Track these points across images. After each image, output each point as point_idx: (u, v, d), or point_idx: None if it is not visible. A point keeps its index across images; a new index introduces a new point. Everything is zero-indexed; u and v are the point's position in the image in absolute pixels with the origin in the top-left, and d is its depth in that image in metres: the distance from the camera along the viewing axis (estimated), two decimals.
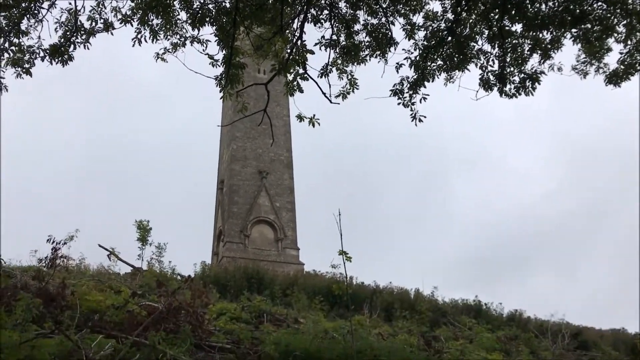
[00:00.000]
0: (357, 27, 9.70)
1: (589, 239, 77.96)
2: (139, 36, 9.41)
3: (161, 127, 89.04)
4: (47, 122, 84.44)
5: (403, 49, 9.68)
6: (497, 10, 9.11)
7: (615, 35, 9.36)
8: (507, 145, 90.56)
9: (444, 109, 57.05)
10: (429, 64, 9.63)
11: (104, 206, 68.48)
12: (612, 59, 9.85)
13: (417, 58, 9.58)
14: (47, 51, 9.37)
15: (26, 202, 64.23)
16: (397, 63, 9.62)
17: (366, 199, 77.61)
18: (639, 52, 9.47)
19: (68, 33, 9.37)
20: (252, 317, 12.75)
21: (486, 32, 9.51)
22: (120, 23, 9.35)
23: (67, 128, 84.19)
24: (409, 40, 9.75)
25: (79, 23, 9.38)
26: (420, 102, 9.42)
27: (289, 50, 9.36)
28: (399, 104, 9.51)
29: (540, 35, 9.42)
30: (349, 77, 9.75)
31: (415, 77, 9.54)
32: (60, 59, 9.37)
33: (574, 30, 9.22)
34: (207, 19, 8.95)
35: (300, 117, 9.14)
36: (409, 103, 9.49)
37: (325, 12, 9.40)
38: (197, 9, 9.00)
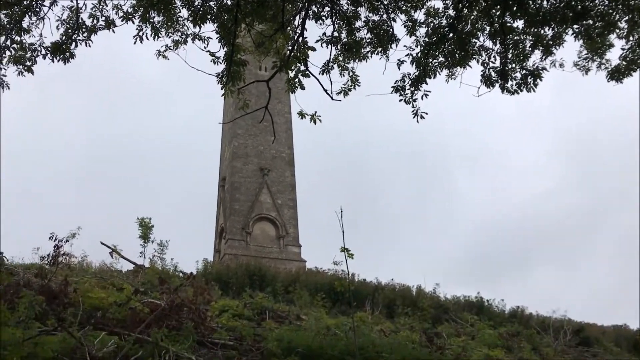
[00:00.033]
0: (359, 23, 9.70)
1: (591, 235, 77.91)
2: (140, 34, 9.43)
3: (162, 125, 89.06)
4: (48, 120, 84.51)
5: (404, 46, 9.69)
6: (498, 7, 9.10)
7: (617, 31, 9.35)
8: (508, 142, 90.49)
9: (445, 106, 56.98)
10: (430, 60, 9.63)
11: (106, 204, 68.56)
12: (614, 55, 9.85)
13: (419, 55, 9.57)
14: (49, 49, 9.38)
15: (27, 201, 64.32)
16: (399, 60, 9.61)
17: (367, 196, 77.64)
18: None
19: (70, 31, 9.38)
20: (254, 314, 12.77)
21: (488, 28, 9.50)
22: (122, 20, 9.37)
23: (68, 126, 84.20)
24: (410, 36, 9.75)
25: (80, 20, 9.40)
26: (422, 98, 9.42)
27: (290, 47, 9.37)
28: (400, 100, 9.52)
29: (542, 31, 9.41)
30: (351, 74, 9.75)
31: (416, 73, 9.53)
32: (61, 56, 9.38)
33: (575, 26, 9.21)
34: (209, 16, 8.95)
35: (301, 114, 9.15)
36: (410, 100, 9.49)
37: (327, 8, 9.39)
38: (199, 6, 9.00)
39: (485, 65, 9.67)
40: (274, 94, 10.23)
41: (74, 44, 9.39)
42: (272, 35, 9.34)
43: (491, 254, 73.29)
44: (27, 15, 9.27)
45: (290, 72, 9.32)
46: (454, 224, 76.10)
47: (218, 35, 9.13)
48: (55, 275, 10.78)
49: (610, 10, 8.95)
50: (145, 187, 78.45)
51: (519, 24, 9.35)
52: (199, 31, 9.56)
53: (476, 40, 9.63)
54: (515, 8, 8.86)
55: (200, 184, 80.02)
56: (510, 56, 9.53)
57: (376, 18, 9.65)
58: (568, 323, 19.74)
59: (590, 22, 9.11)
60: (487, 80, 9.62)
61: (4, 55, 9.41)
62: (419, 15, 9.73)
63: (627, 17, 9.14)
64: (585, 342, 19.50)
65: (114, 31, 9.57)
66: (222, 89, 9.34)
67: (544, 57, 9.64)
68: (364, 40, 9.78)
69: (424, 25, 9.71)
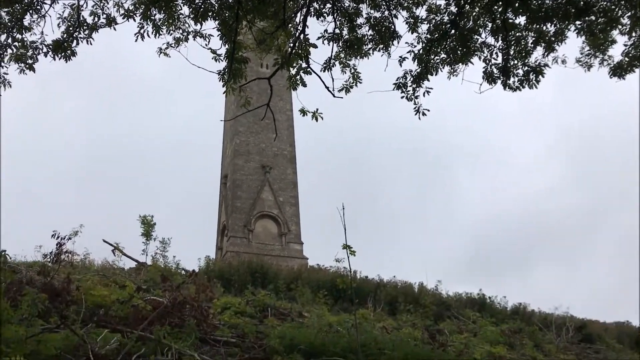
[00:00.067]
0: (360, 20, 9.70)
1: (593, 233, 77.82)
2: (141, 31, 9.42)
3: (163, 123, 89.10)
4: (48, 119, 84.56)
5: (406, 43, 9.68)
6: (500, 3, 9.08)
7: (620, 27, 9.33)
8: (510, 139, 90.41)
9: (447, 103, 56.92)
10: (432, 57, 9.62)
11: (107, 203, 68.62)
12: (616, 51, 9.83)
13: (421, 51, 9.56)
14: (50, 47, 9.38)
15: (28, 200, 64.41)
16: (400, 56, 9.60)
17: (369, 193, 77.63)
18: None
19: (71, 28, 9.38)
20: (256, 311, 12.77)
21: (490, 24, 9.49)
22: (123, 18, 9.36)
23: (68, 125, 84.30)
24: (412, 33, 9.73)
25: (81, 18, 9.39)
26: (424, 95, 9.43)
27: (291, 44, 9.36)
28: (402, 97, 9.51)
29: (544, 27, 9.39)
30: (352, 70, 9.74)
31: (418, 70, 9.53)
32: (63, 54, 9.38)
33: (578, 22, 9.19)
34: (210, 14, 8.93)
35: (303, 112, 9.14)
36: (412, 97, 9.49)
37: (328, 5, 9.38)
38: (200, 4, 8.99)
39: (487, 61, 9.66)
40: (276, 91, 10.21)
41: (75, 41, 9.39)
42: (273, 33, 9.32)
43: (493, 251, 73.28)
44: (28, 13, 9.27)
45: (291, 69, 9.32)
46: (455, 221, 76.13)
47: (219, 33, 9.13)
48: (58, 273, 10.79)
49: (613, 6, 8.93)
50: (146, 185, 78.66)
51: (521, 20, 9.35)
52: (200, 28, 9.55)
53: (478, 37, 9.62)
54: (517, 4, 8.85)
55: (202, 182, 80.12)
56: (512, 53, 9.51)
57: (378, 15, 9.64)
58: (570, 320, 19.76)
59: (593, 18, 9.09)
60: (489, 77, 9.61)
61: (5, 53, 9.42)
62: (421, 12, 9.73)
63: (629, 13, 9.12)
64: (587, 339, 19.50)
65: (115, 29, 9.57)
66: (223, 86, 9.33)
67: (546, 54, 9.63)
68: (366, 37, 9.77)
69: (425, 22, 9.70)
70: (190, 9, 9.22)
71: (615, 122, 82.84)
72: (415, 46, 9.64)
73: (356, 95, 9.87)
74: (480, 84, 9.64)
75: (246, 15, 8.77)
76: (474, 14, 9.54)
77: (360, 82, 9.70)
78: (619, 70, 9.77)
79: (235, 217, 29.94)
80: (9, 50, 9.41)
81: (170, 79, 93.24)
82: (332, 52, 9.47)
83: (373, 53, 9.86)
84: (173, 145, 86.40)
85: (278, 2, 8.85)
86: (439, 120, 79.83)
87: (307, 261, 28.91)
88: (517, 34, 9.48)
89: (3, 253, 9.37)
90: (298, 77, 9.28)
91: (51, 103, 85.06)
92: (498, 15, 9.21)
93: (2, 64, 9.46)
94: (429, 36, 9.62)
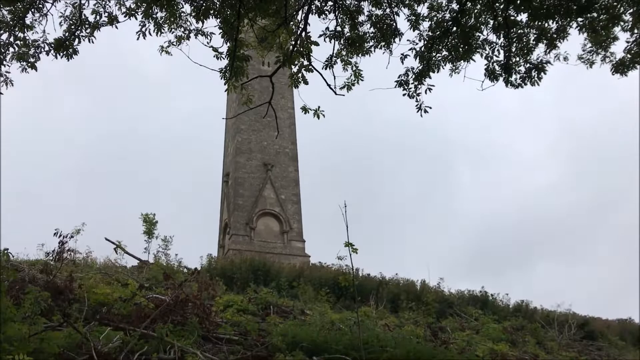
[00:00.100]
0: (362, 18, 9.68)
1: (595, 229, 77.74)
2: (143, 29, 9.43)
3: (165, 121, 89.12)
4: (49, 117, 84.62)
5: (408, 40, 9.67)
6: (502, 0, 9.06)
7: (622, 24, 9.31)
8: (512, 136, 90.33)
9: (449, 100, 56.87)
10: (434, 54, 9.61)
11: (108, 202, 68.73)
12: (618, 48, 9.83)
13: (422, 49, 9.55)
14: (52, 45, 9.39)
15: (30, 197, 64.49)
16: (402, 54, 9.59)
17: (371, 190, 77.62)
18: None
19: (72, 27, 9.38)
20: (258, 309, 12.78)
21: (491, 22, 9.47)
22: (125, 16, 9.35)
23: (70, 123, 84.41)
24: (413, 31, 9.72)
25: (83, 17, 9.39)
26: (426, 92, 9.42)
27: (293, 42, 9.35)
28: (404, 95, 9.50)
29: (546, 24, 9.37)
30: (354, 68, 9.72)
31: (420, 68, 9.52)
32: (65, 53, 9.39)
33: (580, 19, 9.17)
34: (211, 12, 8.93)
35: (305, 109, 9.13)
36: (414, 94, 9.47)
37: (330, 3, 9.37)
38: (201, 2, 8.98)
39: (489, 59, 9.65)
40: (277, 89, 10.22)
41: (77, 40, 9.39)
42: (275, 30, 9.31)
43: (495, 248, 73.33)
44: (30, 12, 9.28)
45: (293, 67, 9.31)
46: (457, 218, 76.11)
47: (221, 31, 9.12)
48: (60, 271, 10.81)
49: (615, 3, 8.91)
50: (148, 184, 78.68)
51: (523, 17, 9.33)
52: (202, 26, 9.56)
53: (480, 34, 9.60)
54: (519, 1, 8.83)
55: (203, 180, 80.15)
56: (514, 50, 9.50)
57: (379, 12, 9.63)
58: (572, 317, 19.73)
59: (595, 15, 9.07)
60: (491, 74, 9.60)
61: (7, 52, 9.42)
62: (422, 9, 9.72)
63: (631, 10, 9.09)
64: (589, 336, 19.50)
65: (116, 27, 9.57)
66: (225, 84, 9.33)
67: (548, 51, 9.61)
68: (367, 35, 9.76)
69: (427, 19, 9.68)
70: (192, 7, 9.23)
71: (617, 119, 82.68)
72: (416, 43, 9.64)
73: (358, 92, 9.89)
74: (482, 81, 9.64)
75: (248, 13, 8.76)
76: (476, 11, 9.52)
77: (362, 80, 9.69)
78: (621, 67, 9.75)
79: (237, 214, 29.96)
80: (11, 49, 9.42)
81: (172, 77, 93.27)
82: (333, 49, 9.47)
83: (375, 50, 9.85)
84: (174, 143, 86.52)
85: (279, 0, 8.84)
86: (441, 117, 79.75)
87: (309, 259, 28.94)
88: (519, 31, 9.46)
89: (5, 251, 9.39)
90: (300, 74, 9.28)
91: (53, 101, 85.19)
92: (500, 12, 9.19)
93: (5, 62, 9.47)
94: (430, 33, 9.61)
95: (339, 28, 9.52)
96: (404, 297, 18.69)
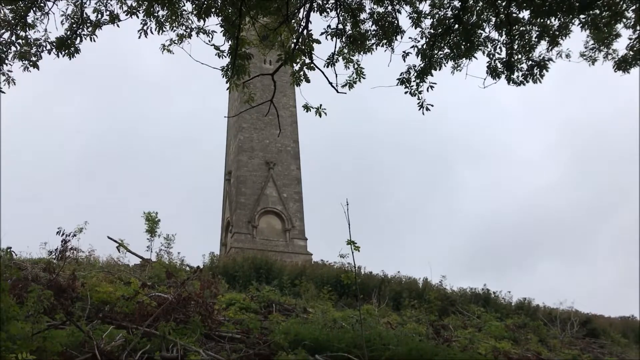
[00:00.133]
0: (363, 15, 9.68)
1: (597, 227, 77.64)
2: (144, 28, 9.43)
3: (167, 119, 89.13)
4: (50, 116, 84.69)
5: (410, 38, 9.67)
6: None
7: (624, 20, 9.27)
8: (513, 134, 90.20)
9: (451, 98, 56.80)
10: (435, 52, 9.59)
11: (112, 199, 68.81)
12: (620, 45, 9.77)
13: (424, 46, 9.54)
14: (54, 44, 9.39)
15: (33, 196, 64.60)
16: (404, 52, 9.58)
17: (373, 189, 77.60)
18: None
19: (74, 25, 9.38)
20: (261, 307, 12.80)
21: (493, 19, 9.45)
22: (126, 15, 9.34)
23: (72, 121, 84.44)
24: (415, 28, 9.72)
25: (84, 15, 9.39)
26: (427, 90, 9.40)
27: (295, 40, 9.35)
28: (406, 92, 9.50)
29: (548, 21, 9.35)
30: (356, 66, 9.72)
31: (422, 65, 9.51)
32: (66, 51, 9.39)
33: (582, 16, 9.14)
34: (213, 10, 8.92)
35: (306, 107, 9.13)
36: (416, 92, 9.47)
37: (331, 1, 9.36)
38: (203, 0, 8.98)
39: (491, 56, 9.63)
40: (279, 87, 10.22)
41: (78, 39, 9.40)
42: (276, 28, 9.31)
43: (497, 246, 73.26)
44: (31, 11, 9.28)
45: (295, 65, 9.30)
46: (458, 217, 76.07)
47: (222, 29, 9.12)
48: (63, 269, 10.83)
49: (617, 0, 8.88)
50: (149, 183, 78.72)
51: (525, 14, 9.32)
52: (204, 25, 9.56)
53: (482, 32, 9.59)
54: None
55: (205, 179, 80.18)
56: (516, 47, 9.48)
57: (381, 10, 9.62)
58: (575, 315, 19.73)
59: (597, 11, 9.05)
60: (493, 72, 9.59)
61: (9, 50, 9.43)
62: (424, 7, 9.72)
63: (634, 7, 9.06)
64: (592, 334, 19.50)
65: (118, 25, 9.57)
66: (227, 82, 9.33)
67: (550, 48, 9.59)
68: (369, 33, 9.75)
69: (429, 17, 9.68)
70: (193, 6, 9.23)
71: (619, 117, 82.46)
72: (418, 41, 9.63)
73: (360, 90, 9.88)
74: (484, 79, 9.63)
75: (249, 11, 8.76)
76: (478, 8, 9.50)
77: (364, 78, 9.69)
78: (623, 64, 9.71)
79: (239, 213, 29.98)
80: (13, 48, 9.43)
81: (173, 75, 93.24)
82: (335, 47, 9.47)
83: (376, 48, 9.84)
84: (176, 142, 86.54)
85: None
86: (443, 115, 79.65)
87: (311, 257, 28.96)
88: (521, 28, 9.44)
89: (9, 250, 9.41)
90: (301, 73, 9.28)
91: (55, 99, 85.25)
92: (502, 10, 9.17)
93: (7, 61, 9.48)
94: (432, 31, 9.60)
95: (340, 26, 9.52)
96: (406, 295, 18.68)
